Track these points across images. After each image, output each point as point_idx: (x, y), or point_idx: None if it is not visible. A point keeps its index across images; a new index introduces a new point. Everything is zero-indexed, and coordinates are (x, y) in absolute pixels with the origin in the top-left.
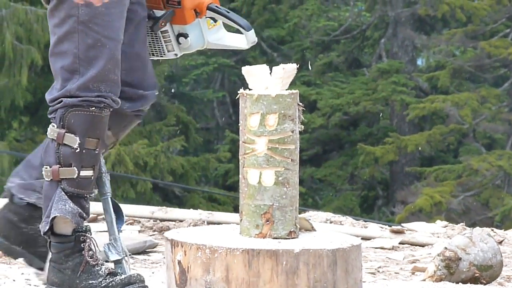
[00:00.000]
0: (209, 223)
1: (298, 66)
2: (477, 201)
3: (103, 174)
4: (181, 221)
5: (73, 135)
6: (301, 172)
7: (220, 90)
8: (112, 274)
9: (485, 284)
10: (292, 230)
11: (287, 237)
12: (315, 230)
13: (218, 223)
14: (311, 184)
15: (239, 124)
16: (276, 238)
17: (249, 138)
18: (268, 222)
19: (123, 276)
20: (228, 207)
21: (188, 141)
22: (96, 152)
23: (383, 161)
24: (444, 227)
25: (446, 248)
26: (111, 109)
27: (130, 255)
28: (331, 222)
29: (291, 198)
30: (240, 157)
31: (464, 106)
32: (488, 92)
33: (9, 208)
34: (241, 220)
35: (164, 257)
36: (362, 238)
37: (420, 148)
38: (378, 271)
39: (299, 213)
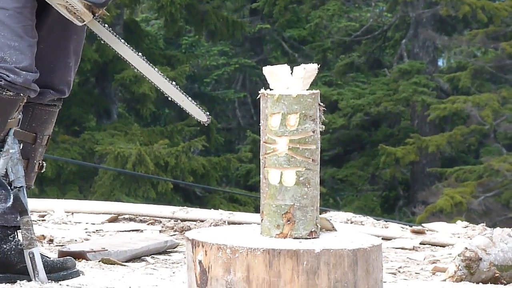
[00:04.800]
0: (230, 223)
1: (319, 66)
2: (498, 202)
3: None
4: (202, 221)
5: None
6: (322, 173)
7: (241, 90)
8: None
9: (505, 284)
10: (313, 230)
11: (308, 237)
12: (336, 230)
13: (239, 223)
14: (332, 184)
15: (260, 124)
16: (297, 238)
17: (270, 138)
18: (289, 222)
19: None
20: (249, 207)
21: (209, 141)
22: None
23: (404, 161)
24: (465, 227)
25: (466, 248)
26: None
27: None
28: (352, 222)
29: (312, 198)
30: (261, 157)
31: (485, 107)
32: (509, 93)
33: None
34: (262, 220)
35: (185, 257)
36: (382, 238)
37: (441, 149)
38: (399, 271)
39: (320, 213)
